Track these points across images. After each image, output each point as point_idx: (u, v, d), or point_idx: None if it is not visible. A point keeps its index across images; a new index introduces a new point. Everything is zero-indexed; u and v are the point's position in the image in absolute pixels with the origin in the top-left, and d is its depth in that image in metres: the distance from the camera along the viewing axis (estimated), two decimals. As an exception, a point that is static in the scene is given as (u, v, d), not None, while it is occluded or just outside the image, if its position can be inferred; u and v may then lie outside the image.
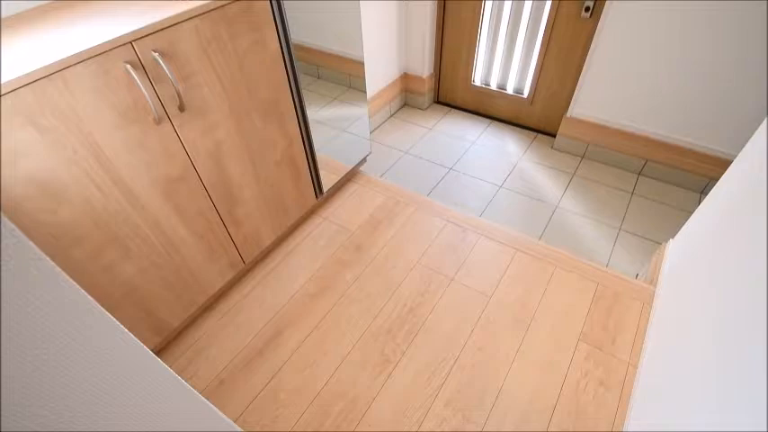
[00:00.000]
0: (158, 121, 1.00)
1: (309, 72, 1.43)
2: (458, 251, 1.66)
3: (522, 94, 2.34)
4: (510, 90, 2.38)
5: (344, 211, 1.85)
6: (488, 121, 2.51)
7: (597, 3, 1.81)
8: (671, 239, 1.53)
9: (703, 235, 1.24)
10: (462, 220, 1.79)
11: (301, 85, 1.38)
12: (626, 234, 1.82)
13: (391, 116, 2.57)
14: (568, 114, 2.13)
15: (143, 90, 0.93)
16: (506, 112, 2.44)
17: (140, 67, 0.92)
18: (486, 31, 2.25)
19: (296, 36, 1.27)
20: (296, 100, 1.40)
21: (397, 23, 2.27)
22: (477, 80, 2.46)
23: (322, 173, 1.70)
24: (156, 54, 0.93)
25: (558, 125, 2.23)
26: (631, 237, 1.80)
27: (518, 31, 2.14)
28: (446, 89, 2.59)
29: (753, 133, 1.66)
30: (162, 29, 0.93)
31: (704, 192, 1.95)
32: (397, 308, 1.47)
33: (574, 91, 2.06)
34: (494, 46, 2.27)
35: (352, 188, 1.96)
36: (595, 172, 2.12)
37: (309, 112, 1.48)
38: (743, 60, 1.60)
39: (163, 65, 0.94)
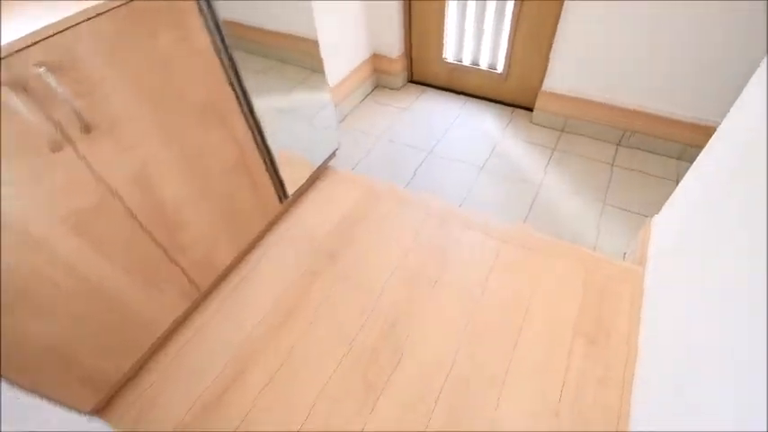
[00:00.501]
0: (57, 149, 0.80)
1: (268, 55, 1.24)
2: (441, 248, 1.53)
3: (495, 69, 2.19)
4: (484, 66, 2.21)
5: (314, 215, 1.68)
6: (464, 98, 2.36)
7: None
8: (655, 215, 1.47)
9: (691, 207, 1.21)
10: (444, 212, 1.66)
11: (245, 80, 1.18)
12: (610, 208, 1.78)
13: (365, 98, 2.42)
14: (544, 89, 2.00)
15: (28, 116, 0.72)
16: (482, 88, 2.30)
17: (21, 88, 0.71)
18: (454, 5, 2.06)
19: (241, 16, 1.12)
20: (240, 97, 1.21)
21: (360, 2, 2.05)
22: (450, 57, 2.28)
23: (286, 173, 1.52)
24: (41, 69, 0.72)
25: (535, 99, 2.09)
26: (616, 211, 1.77)
27: (485, 3, 1.96)
28: (419, 68, 2.42)
29: (732, 97, 1.58)
30: (50, 36, 0.75)
31: (681, 158, 1.92)
32: (378, 323, 1.34)
33: (547, 64, 1.91)
34: (463, 21, 2.10)
35: (321, 187, 1.79)
36: (576, 145, 2.06)
37: (270, 103, 1.30)
38: (717, 24, 1.54)
39: (51, 81, 0.73)
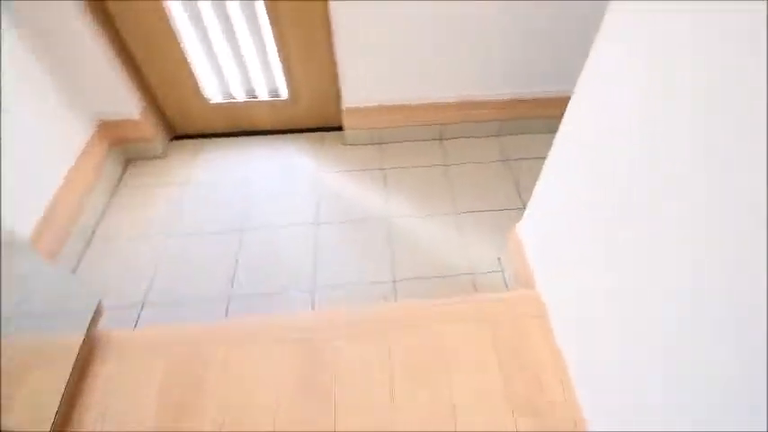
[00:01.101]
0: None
1: None
2: (321, 383, 1.09)
3: (279, 95, 1.75)
4: (264, 95, 1.74)
5: (115, 414, 1.03)
6: (257, 138, 1.86)
7: None
8: (516, 224, 1.31)
9: (554, 208, 1.05)
10: (302, 330, 1.19)
11: None
12: (465, 217, 1.60)
13: (115, 191, 1.69)
14: (345, 106, 1.68)
15: None
16: (273, 120, 1.85)
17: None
18: (192, 36, 1.52)
19: None
20: None
21: (41, 62, 1.35)
22: (217, 96, 1.73)
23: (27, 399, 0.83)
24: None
25: (340, 117, 1.76)
26: (471, 217, 1.60)
27: (233, 25, 1.50)
28: (181, 119, 1.81)
29: (518, 69, 1.61)
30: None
31: (500, 134, 1.87)
32: None
33: (337, 75, 1.59)
34: (211, 50, 1.57)
35: (104, 371, 1.11)
36: (402, 156, 1.81)
37: None
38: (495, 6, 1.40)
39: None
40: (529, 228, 1.26)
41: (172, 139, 1.86)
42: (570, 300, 1.05)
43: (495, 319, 1.16)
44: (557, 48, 1.56)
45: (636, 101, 0.71)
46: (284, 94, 1.75)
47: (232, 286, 1.40)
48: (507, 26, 1.47)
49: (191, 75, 1.62)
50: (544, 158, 1.84)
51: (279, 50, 1.56)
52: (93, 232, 1.53)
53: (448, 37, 1.49)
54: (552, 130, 1.96)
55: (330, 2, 1.36)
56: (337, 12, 1.38)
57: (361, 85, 1.63)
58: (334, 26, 1.43)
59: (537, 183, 1.17)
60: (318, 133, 1.88)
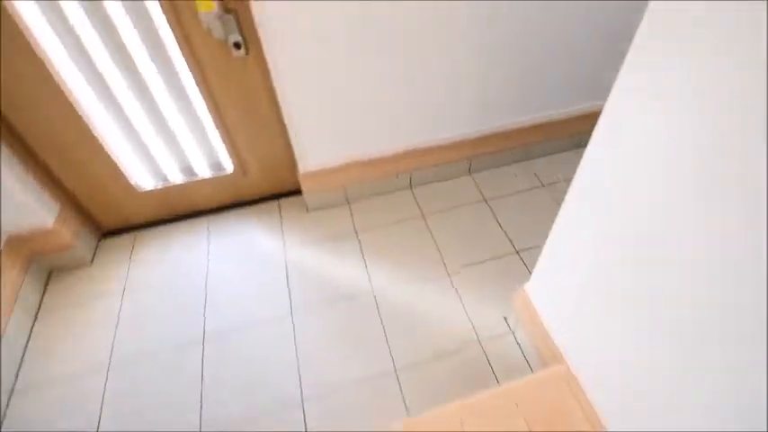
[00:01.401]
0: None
1: None
2: None
3: (224, 169, 1.53)
4: (207, 171, 1.52)
5: None
6: (204, 219, 1.61)
7: (246, 33, 1.12)
8: (526, 284, 1.17)
9: (587, 271, 0.89)
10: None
11: None
12: (458, 276, 1.43)
13: (37, 314, 1.38)
14: (301, 171, 1.52)
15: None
16: (220, 196, 1.62)
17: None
18: (108, 121, 1.29)
19: None
20: None
21: None
22: (148, 182, 1.49)
23: None
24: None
25: (297, 179, 1.58)
26: (464, 274, 1.43)
27: (156, 102, 1.27)
28: (108, 213, 1.57)
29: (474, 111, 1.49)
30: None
31: (471, 172, 1.74)
32: None
33: (288, 138, 1.41)
34: (133, 134, 1.34)
35: None
36: (374, 213, 1.63)
37: None
38: (444, 47, 1.29)
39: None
40: (541, 292, 1.11)
41: (102, 238, 1.57)
42: (612, 374, 0.90)
43: (529, 409, 0.98)
44: (522, 78, 1.47)
45: (658, 153, 0.57)
46: (229, 166, 1.53)
47: (200, 417, 1.13)
48: (470, 64, 1.36)
49: (112, 164, 1.37)
50: (521, 192, 1.72)
51: (216, 121, 1.35)
52: (13, 387, 1.21)
53: (407, 83, 1.35)
54: (521, 158, 1.85)
55: (269, 62, 1.18)
56: (278, 69, 1.21)
57: (318, 146, 1.46)
58: (276, 85, 1.25)
59: (547, 243, 1.02)
60: (275, 202, 1.66)
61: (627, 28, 1.52)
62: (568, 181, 1.64)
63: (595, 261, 0.85)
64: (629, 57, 0.63)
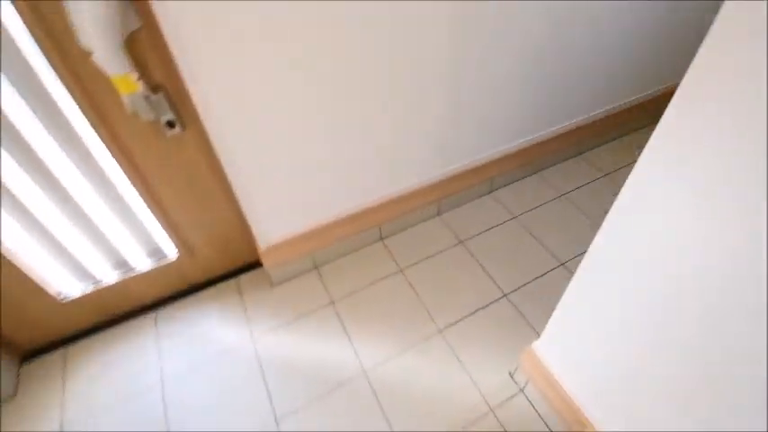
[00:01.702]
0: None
1: None
2: None
3: (166, 256, 1.32)
4: (146, 262, 1.30)
5: None
6: (150, 316, 1.39)
7: (181, 108, 0.96)
8: (534, 342, 1.08)
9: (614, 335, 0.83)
10: None
11: None
12: (449, 331, 1.33)
13: None
14: (262, 247, 1.36)
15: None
16: (164, 287, 1.42)
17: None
18: (9, 224, 1.04)
19: None
20: None
21: None
22: (75, 287, 1.25)
23: None
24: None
25: (253, 248, 1.42)
26: (453, 332, 1.33)
27: (69, 196, 1.06)
28: (25, 332, 1.29)
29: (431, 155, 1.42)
30: None
31: (440, 213, 1.65)
32: None
33: (239, 207, 1.25)
34: (47, 237, 1.10)
35: None
36: (346, 276, 1.48)
37: None
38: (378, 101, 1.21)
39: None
40: (555, 352, 1.02)
41: (24, 362, 1.27)
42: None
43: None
44: (483, 116, 1.42)
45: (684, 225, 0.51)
46: (172, 252, 1.31)
47: None
48: (427, 111, 1.28)
49: (27, 280, 1.10)
50: (494, 227, 1.66)
51: (151, 206, 1.15)
52: None
53: (364, 139, 1.24)
54: (487, 191, 1.80)
55: (211, 134, 1.02)
56: (223, 143, 1.05)
57: (277, 216, 1.30)
58: (223, 158, 1.08)
59: (561, 303, 0.94)
60: (233, 280, 1.46)
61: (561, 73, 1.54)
62: (532, 208, 1.64)
63: (623, 320, 0.78)
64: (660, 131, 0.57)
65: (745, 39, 0.44)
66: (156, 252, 1.31)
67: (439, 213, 1.64)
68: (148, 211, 1.16)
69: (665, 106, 0.55)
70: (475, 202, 1.68)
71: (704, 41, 0.48)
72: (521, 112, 1.51)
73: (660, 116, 0.56)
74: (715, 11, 0.47)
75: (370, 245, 1.55)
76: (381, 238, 1.56)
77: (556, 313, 0.95)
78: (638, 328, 0.74)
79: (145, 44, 0.84)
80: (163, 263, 1.31)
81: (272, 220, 1.30)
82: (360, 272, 1.47)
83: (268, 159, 1.13)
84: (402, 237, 1.58)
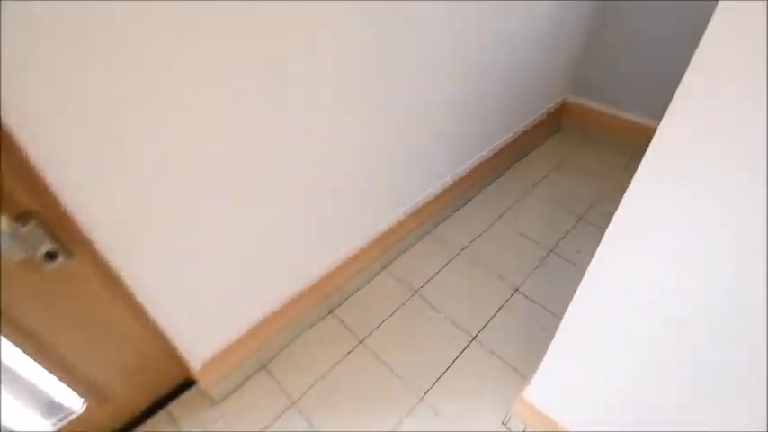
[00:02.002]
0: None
1: None
2: None
3: (69, 409, 1.05)
4: (43, 424, 1.00)
5: None
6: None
7: (60, 235, 0.77)
8: (527, 387, 1.03)
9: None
10: None
11: None
12: (432, 393, 1.22)
13: None
14: (198, 364, 1.14)
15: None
16: None
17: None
18: None
19: None
20: None
21: None
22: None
23: None
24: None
25: (182, 367, 1.20)
26: (438, 390, 1.22)
27: None
28: None
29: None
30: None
31: (385, 267, 1.57)
32: None
33: (155, 326, 1.04)
34: None
35: None
36: (301, 366, 1.30)
37: None
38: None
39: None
40: (551, 395, 0.97)
41: None
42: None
43: None
44: (415, 163, 1.39)
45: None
46: (76, 403, 1.03)
47: None
48: (367, 158, 1.21)
49: None
50: (441, 270, 1.61)
51: (40, 359, 0.88)
52: None
53: (303, 213, 1.12)
54: (425, 233, 1.76)
55: (107, 252, 0.81)
56: (131, 264, 0.85)
57: (208, 330, 1.09)
58: (124, 277, 0.88)
59: (552, 344, 0.88)
60: (164, 411, 1.19)
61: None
62: (476, 236, 1.64)
63: (626, 359, 0.75)
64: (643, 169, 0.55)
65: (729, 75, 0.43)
66: (53, 408, 1.01)
67: (383, 267, 1.55)
68: (37, 365, 0.89)
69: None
70: (416, 246, 1.63)
71: (686, 73, 0.47)
72: (438, 152, 1.52)
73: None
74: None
75: (320, 321, 1.40)
76: (331, 311, 1.42)
77: (549, 352, 0.91)
78: (634, 365, 0.72)
79: (-5, 166, 0.64)
80: (66, 421, 1.02)
81: (204, 334, 1.09)
82: (316, 356, 1.30)
83: (185, 270, 0.95)
84: (353, 303, 1.45)
